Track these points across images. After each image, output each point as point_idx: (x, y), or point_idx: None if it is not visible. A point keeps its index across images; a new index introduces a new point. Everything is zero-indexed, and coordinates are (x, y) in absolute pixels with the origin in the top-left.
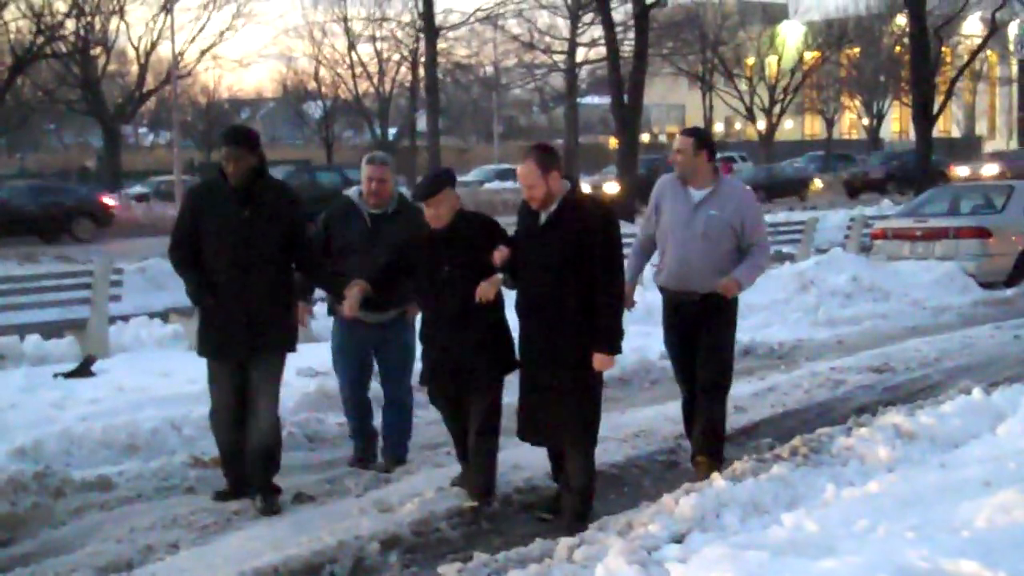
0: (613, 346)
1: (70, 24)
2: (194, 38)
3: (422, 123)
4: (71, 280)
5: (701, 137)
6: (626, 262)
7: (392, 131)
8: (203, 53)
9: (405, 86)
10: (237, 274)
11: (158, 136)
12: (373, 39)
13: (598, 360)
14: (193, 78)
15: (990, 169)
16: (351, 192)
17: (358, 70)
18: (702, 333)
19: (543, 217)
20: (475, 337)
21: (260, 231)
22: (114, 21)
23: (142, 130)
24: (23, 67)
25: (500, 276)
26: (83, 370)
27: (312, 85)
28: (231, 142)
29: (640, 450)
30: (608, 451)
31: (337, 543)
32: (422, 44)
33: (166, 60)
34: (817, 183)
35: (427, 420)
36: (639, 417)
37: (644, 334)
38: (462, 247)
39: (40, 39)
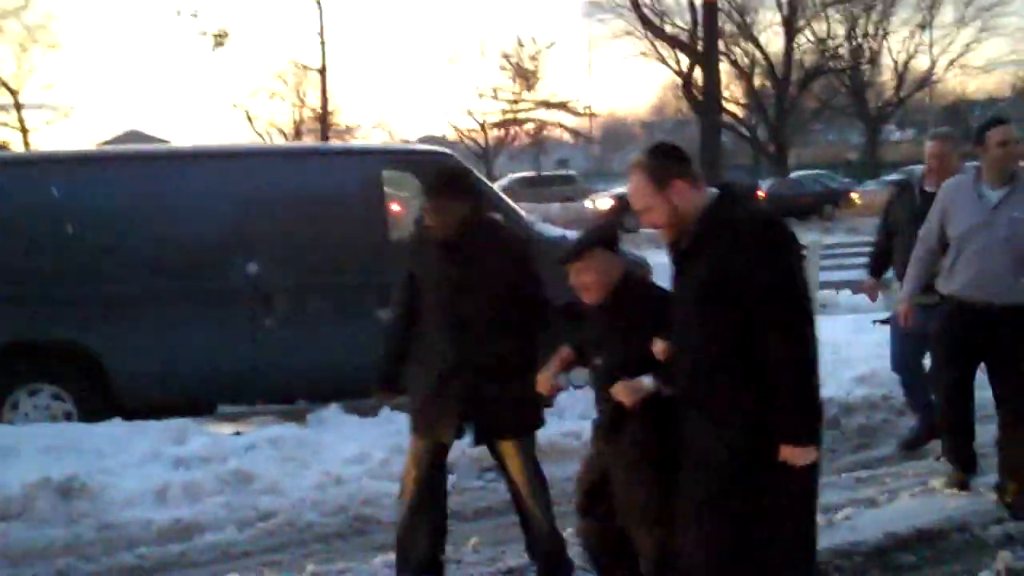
0: (806, 431)
1: (844, 45)
2: (944, 50)
3: None
4: (840, 250)
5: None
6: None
7: None
8: (951, 63)
9: None
10: (448, 341)
11: (904, 132)
12: None
13: (789, 454)
14: (940, 83)
15: None
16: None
17: None
18: (997, 349)
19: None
20: (627, 460)
21: (474, 292)
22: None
23: (889, 127)
24: (808, 82)
25: (647, 382)
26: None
27: None
28: (429, 192)
29: None
30: None
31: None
32: None
33: (917, 69)
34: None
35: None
36: None
37: None
38: (617, 333)
39: (822, 60)
